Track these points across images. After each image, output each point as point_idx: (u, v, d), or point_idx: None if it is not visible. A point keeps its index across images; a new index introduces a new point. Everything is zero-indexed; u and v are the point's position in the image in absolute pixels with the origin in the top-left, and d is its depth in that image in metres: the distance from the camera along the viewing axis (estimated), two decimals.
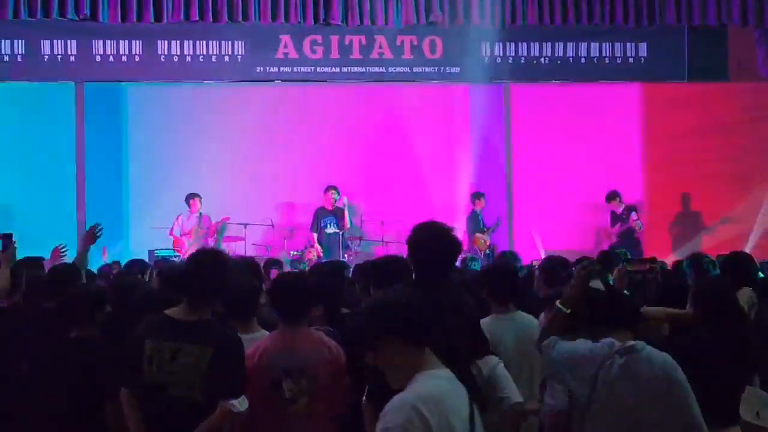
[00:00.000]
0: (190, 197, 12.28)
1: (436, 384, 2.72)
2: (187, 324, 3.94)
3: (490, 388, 3.71)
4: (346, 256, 11.95)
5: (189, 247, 11.86)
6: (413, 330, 2.75)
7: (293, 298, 4.20)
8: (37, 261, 6.53)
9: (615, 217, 12.81)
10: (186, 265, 4.38)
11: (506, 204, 13.38)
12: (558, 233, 13.11)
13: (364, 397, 3.80)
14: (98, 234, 6.22)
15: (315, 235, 12.31)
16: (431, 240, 3.86)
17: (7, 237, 6.15)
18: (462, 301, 3.85)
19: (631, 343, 3.58)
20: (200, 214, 12.28)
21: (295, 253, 12.17)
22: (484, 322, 4.87)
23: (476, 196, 12.81)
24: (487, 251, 12.11)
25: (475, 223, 12.62)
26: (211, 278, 4.01)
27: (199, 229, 12.17)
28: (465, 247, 12.16)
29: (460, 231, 12.46)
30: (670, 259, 9.51)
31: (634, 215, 12.63)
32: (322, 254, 11.96)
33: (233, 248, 12.25)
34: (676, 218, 13.24)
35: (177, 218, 12.32)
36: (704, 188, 12.92)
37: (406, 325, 2.75)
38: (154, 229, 12.06)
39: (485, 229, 12.55)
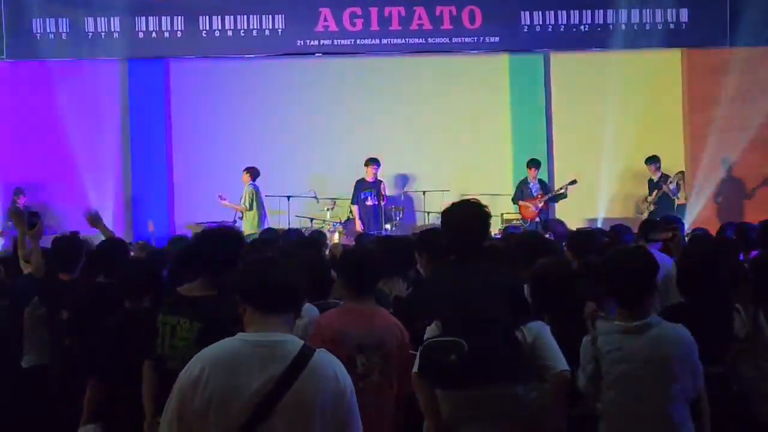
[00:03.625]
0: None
1: (230, 343, 2.83)
2: (190, 299, 4.00)
3: (534, 356, 3.70)
4: (387, 227, 11.96)
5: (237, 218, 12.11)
6: (247, 293, 2.89)
7: (364, 271, 4.20)
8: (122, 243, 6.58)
9: (651, 185, 12.73)
10: (196, 242, 4.48)
11: (547, 172, 13.30)
12: (598, 201, 13.05)
13: (414, 371, 3.84)
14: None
15: (356, 207, 12.35)
16: (457, 217, 3.95)
17: (34, 215, 6.29)
18: (498, 272, 3.88)
19: (637, 323, 3.68)
20: (250, 186, 12.30)
21: (338, 224, 12.20)
22: None
23: (528, 163, 12.58)
24: (537, 220, 11.96)
25: (523, 191, 12.48)
26: (217, 255, 4.02)
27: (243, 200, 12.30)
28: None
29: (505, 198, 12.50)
30: (714, 227, 9.42)
31: (670, 181, 12.56)
32: (362, 227, 11.99)
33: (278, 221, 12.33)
34: (720, 185, 13.07)
35: None
36: (748, 154, 12.72)
37: (243, 288, 2.92)
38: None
39: (534, 197, 12.38)
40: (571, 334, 3.97)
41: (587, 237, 6.42)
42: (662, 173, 12.69)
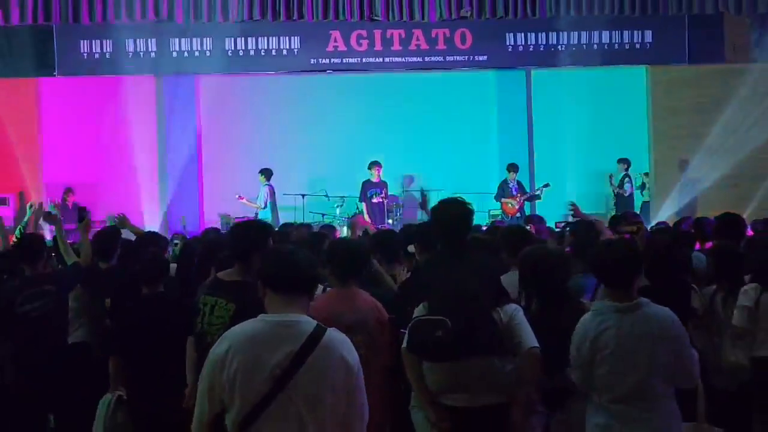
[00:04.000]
0: None
1: (253, 323, 2.84)
2: (227, 283, 4.04)
3: (508, 334, 3.75)
4: (389, 222, 12.12)
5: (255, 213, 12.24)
6: (268, 279, 2.91)
7: (349, 259, 4.17)
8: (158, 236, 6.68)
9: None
10: (230, 233, 4.59)
11: (528, 173, 13.52)
12: (572, 199, 13.13)
13: (404, 346, 3.89)
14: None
15: (364, 205, 12.52)
16: (443, 215, 4.03)
17: (83, 210, 6.26)
18: (479, 261, 3.96)
19: (627, 303, 3.57)
20: (265, 185, 12.49)
21: (347, 219, 12.32)
22: (508, 275, 4.99)
23: (508, 167, 12.88)
24: (517, 215, 12.20)
25: (504, 190, 12.75)
26: (248, 244, 4.02)
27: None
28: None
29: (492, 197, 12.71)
30: (673, 221, 9.58)
31: (626, 180, 12.86)
32: (370, 221, 12.12)
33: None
34: (679, 185, 13.21)
35: None
36: (703, 158, 12.87)
37: (265, 274, 2.94)
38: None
39: (514, 196, 12.62)
40: (556, 314, 3.97)
41: (588, 226, 6.56)
42: (625, 173, 12.94)
